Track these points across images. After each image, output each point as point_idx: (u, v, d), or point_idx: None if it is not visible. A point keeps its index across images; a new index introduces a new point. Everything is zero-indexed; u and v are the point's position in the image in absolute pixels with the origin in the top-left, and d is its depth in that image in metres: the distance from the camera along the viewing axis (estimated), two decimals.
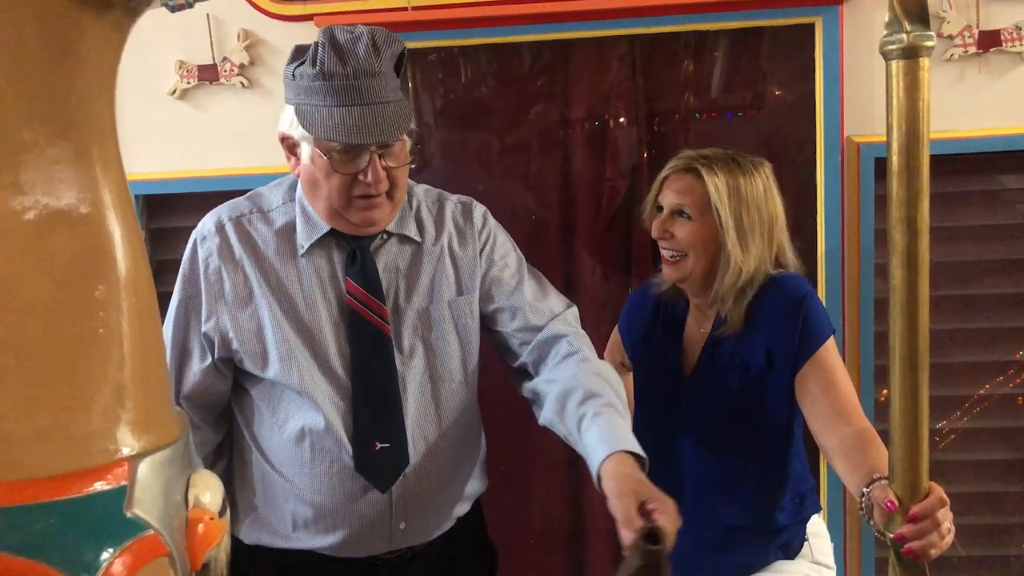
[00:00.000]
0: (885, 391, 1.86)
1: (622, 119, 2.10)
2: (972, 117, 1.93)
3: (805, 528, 1.61)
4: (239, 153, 2.04)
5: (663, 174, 1.62)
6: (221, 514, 0.80)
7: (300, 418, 1.40)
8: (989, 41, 1.91)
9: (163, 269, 1.88)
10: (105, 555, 0.66)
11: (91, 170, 0.70)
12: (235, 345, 1.39)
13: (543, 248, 2.14)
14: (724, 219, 1.52)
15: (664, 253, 1.61)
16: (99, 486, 0.67)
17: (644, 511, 1.17)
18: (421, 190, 1.55)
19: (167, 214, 2.14)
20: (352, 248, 1.42)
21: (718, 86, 2.09)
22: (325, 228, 1.41)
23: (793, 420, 1.56)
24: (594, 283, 2.16)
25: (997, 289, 2.06)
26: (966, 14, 1.91)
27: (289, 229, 1.43)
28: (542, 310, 1.51)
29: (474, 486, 1.56)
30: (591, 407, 1.33)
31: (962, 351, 2.08)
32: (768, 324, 1.53)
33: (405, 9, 1.92)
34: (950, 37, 1.92)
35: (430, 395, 1.45)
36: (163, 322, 1.42)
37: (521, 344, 1.50)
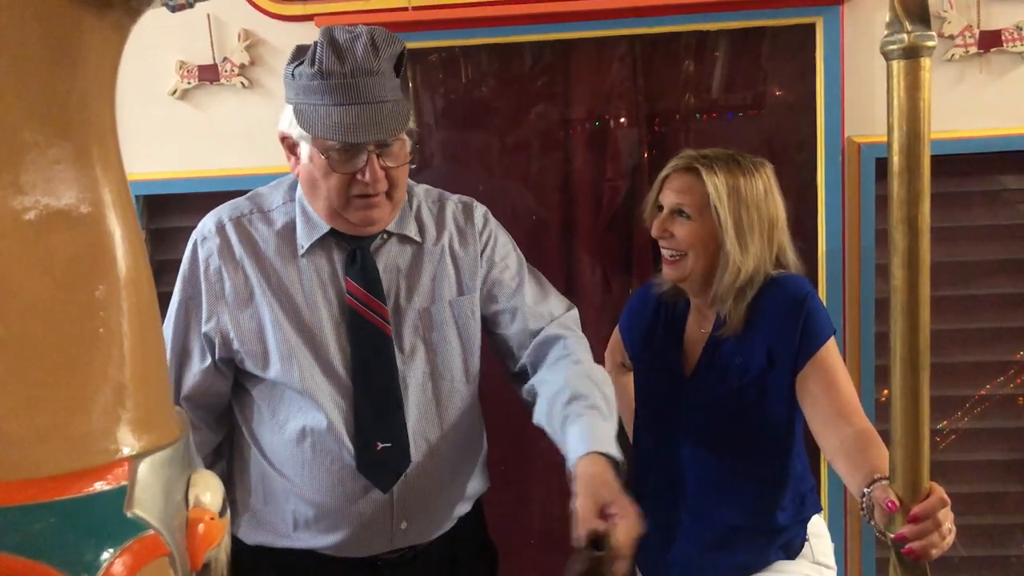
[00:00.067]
0: (886, 391, 1.86)
1: (623, 119, 2.10)
2: (973, 117, 1.94)
3: (806, 528, 1.61)
4: (239, 153, 2.04)
5: (664, 173, 1.62)
6: (221, 514, 0.80)
7: (301, 418, 1.40)
8: (990, 41, 1.91)
9: (163, 269, 1.88)
10: (105, 555, 0.66)
11: (91, 170, 0.70)
12: (236, 345, 1.39)
13: (544, 248, 2.14)
14: (723, 219, 1.52)
15: (664, 252, 1.61)
16: (99, 486, 0.67)
17: (605, 515, 1.17)
18: (421, 190, 1.55)
19: (167, 214, 2.14)
20: (352, 248, 1.42)
21: (719, 86, 2.09)
22: (325, 228, 1.41)
23: (794, 420, 1.56)
24: (594, 283, 2.16)
25: (998, 289, 2.06)
26: (967, 14, 1.91)
27: (289, 229, 1.43)
28: (541, 313, 1.52)
29: (475, 486, 1.56)
30: (575, 408, 1.35)
31: (963, 351, 2.08)
32: (769, 324, 1.53)
33: (406, 9, 1.92)
34: (951, 37, 1.92)
35: (431, 395, 1.45)
36: (163, 322, 1.42)
37: (520, 347, 1.51)
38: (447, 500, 1.50)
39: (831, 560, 1.63)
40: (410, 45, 1.41)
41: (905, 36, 1.00)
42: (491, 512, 1.68)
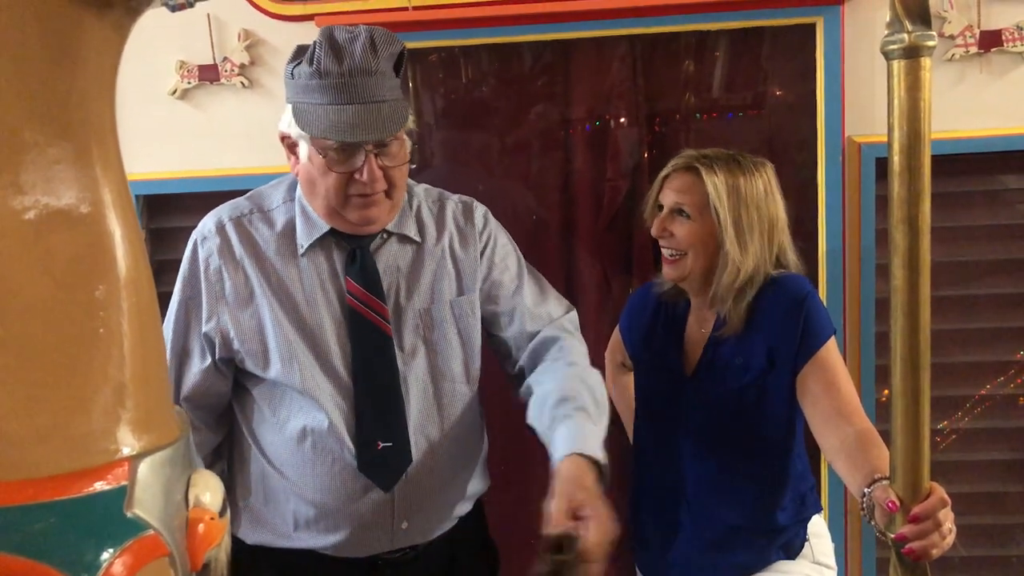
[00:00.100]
0: (886, 391, 1.86)
1: (623, 119, 2.10)
2: (973, 117, 1.94)
3: (806, 528, 1.61)
4: (239, 153, 2.04)
5: (664, 173, 1.62)
6: (221, 514, 0.80)
7: (302, 418, 1.40)
8: (990, 41, 1.91)
9: (163, 269, 1.88)
10: (105, 555, 0.66)
11: (91, 170, 0.70)
12: (236, 345, 1.39)
13: (544, 248, 2.13)
14: (723, 218, 1.52)
15: (664, 252, 1.61)
16: (99, 486, 0.67)
17: (577, 517, 1.17)
18: (421, 190, 1.55)
19: (167, 214, 2.14)
20: (352, 248, 1.42)
21: (719, 86, 2.09)
22: (325, 227, 1.41)
23: (794, 420, 1.56)
24: (595, 283, 2.16)
25: (998, 289, 2.06)
26: (967, 14, 1.91)
27: (289, 229, 1.43)
28: (540, 315, 1.52)
29: (476, 485, 1.56)
30: (563, 410, 1.35)
31: (963, 351, 2.08)
32: (769, 324, 1.53)
33: (406, 9, 1.92)
34: (951, 37, 1.92)
35: (432, 395, 1.45)
36: (163, 322, 1.42)
37: (517, 349, 1.52)
38: (448, 499, 1.50)
39: (831, 560, 1.63)
40: (410, 45, 1.41)
41: (905, 36, 1.00)
42: (491, 512, 1.67)
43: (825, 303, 1.81)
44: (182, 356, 1.43)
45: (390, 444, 1.40)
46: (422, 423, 1.44)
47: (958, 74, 1.94)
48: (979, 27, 1.91)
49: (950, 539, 1.15)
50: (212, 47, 2.02)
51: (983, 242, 2.06)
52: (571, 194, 2.14)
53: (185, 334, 1.42)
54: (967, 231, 2.05)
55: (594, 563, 1.16)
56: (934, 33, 1.01)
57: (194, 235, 1.45)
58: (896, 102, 1.03)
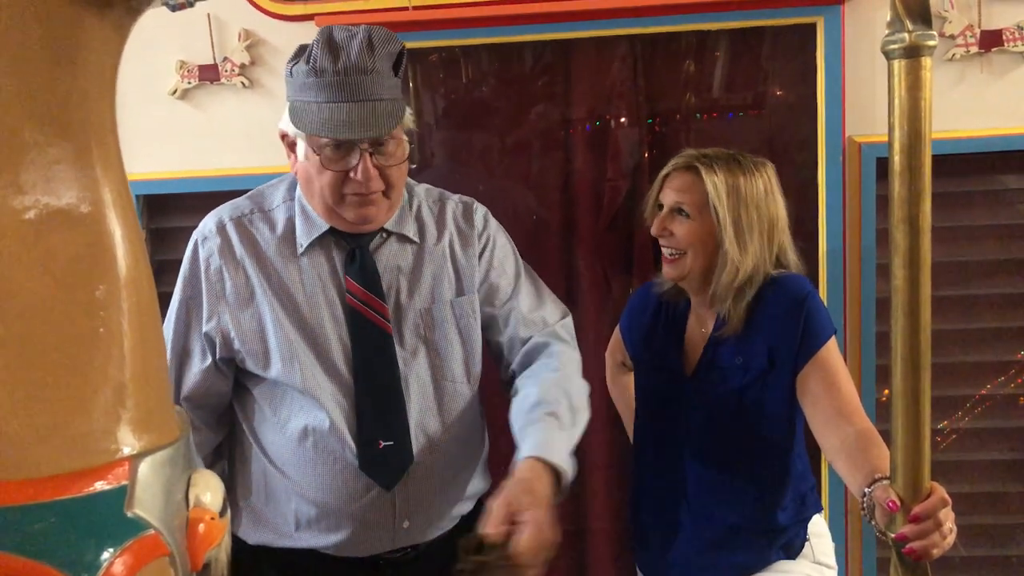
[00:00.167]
0: (887, 391, 1.86)
1: (623, 119, 2.10)
2: (974, 117, 1.93)
3: (806, 528, 1.61)
4: (239, 153, 2.04)
5: (664, 172, 1.62)
6: (222, 514, 0.80)
7: (303, 417, 1.40)
8: (991, 41, 1.91)
9: (163, 269, 1.88)
10: (106, 555, 0.66)
11: (92, 170, 0.70)
12: (237, 345, 1.39)
13: (544, 248, 2.13)
14: (722, 218, 1.52)
15: (663, 251, 1.61)
16: (100, 486, 0.67)
17: (515, 521, 1.17)
18: (422, 190, 1.55)
19: (167, 214, 2.14)
20: (351, 247, 1.42)
21: (719, 86, 2.09)
22: (324, 226, 1.41)
23: (794, 420, 1.56)
24: (595, 283, 2.16)
25: (998, 289, 2.06)
26: (968, 14, 1.91)
27: (290, 228, 1.43)
28: (534, 321, 1.52)
29: (477, 485, 1.56)
30: (535, 414, 1.36)
31: (963, 351, 2.08)
32: (769, 324, 1.52)
33: (406, 9, 1.92)
34: (952, 37, 1.92)
35: (433, 394, 1.45)
36: (163, 322, 1.42)
37: (510, 353, 1.52)
38: (449, 499, 1.50)
39: (832, 560, 1.63)
40: (410, 45, 1.41)
41: (906, 35, 1.00)
42: None
43: (826, 303, 1.81)
44: (183, 356, 1.43)
45: (391, 443, 1.40)
46: (423, 422, 1.44)
47: (959, 74, 1.94)
48: (980, 27, 1.91)
49: (951, 539, 1.15)
50: (212, 47, 2.02)
51: (983, 242, 2.05)
52: (571, 194, 2.14)
53: (186, 334, 1.42)
54: (967, 231, 2.05)
55: (526, 568, 1.14)
56: (935, 33, 1.01)
57: (195, 235, 1.45)
58: (897, 102, 1.03)
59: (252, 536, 1.46)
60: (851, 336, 2.02)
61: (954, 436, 2.11)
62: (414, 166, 2.02)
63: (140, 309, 0.72)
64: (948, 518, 1.14)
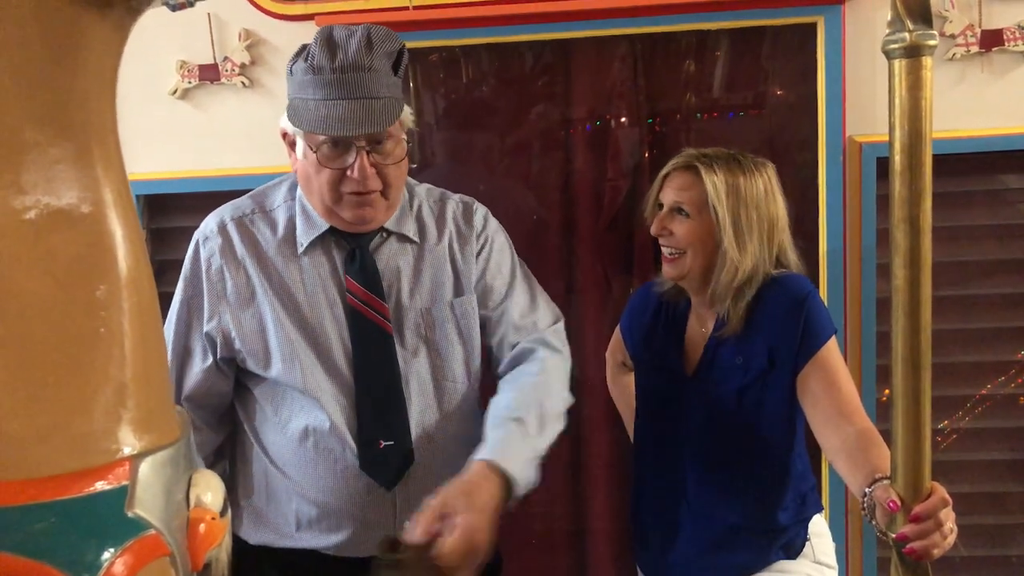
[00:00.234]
0: (887, 391, 1.86)
1: (623, 119, 2.10)
2: (974, 116, 1.93)
3: (807, 528, 1.61)
4: (240, 153, 2.04)
5: (664, 171, 1.62)
6: (222, 514, 0.80)
7: (304, 417, 1.40)
8: (991, 40, 1.91)
9: (164, 269, 1.88)
10: (106, 555, 0.66)
11: (92, 170, 0.70)
12: (237, 345, 1.39)
13: (544, 248, 2.14)
14: (721, 218, 1.52)
15: (663, 250, 1.61)
16: (100, 486, 0.67)
17: (445, 522, 1.17)
18: (423, 190, 1.54)
19: (168, 214, 2.14)
20: (352, 247, 1.42)
21: (719, 86, 2.09)
22: (324, 226, 1.41)
23: (794, 420, 1.56)
24: (595, 283, 2.16)
25: (999, 289, 2.06)
26: (968, 13, 1.91)
27: (291, 228, 1.43)
28: (524, 326, 1.51)
29: None
30: (500, 418, 1.35)
31: (964, 351, 2.08)
32: (769, 324, 1.52)
33: (406, 9, 1.92)
34: (952, 36, 1.92)
35: (433, 394, 1.45)
36: (164, 322, 1.42)
37: (499, 356, 1.52)
38: None
39: (832, 560, 1.63)
40: (410, 45, 1.41)
41: (907, 35, 1.00)
42: None
43: (826, 303, 1.81)
44: (184, 356, 1.43)
45: (392, 443, 1.39)
46: (424, 422, 1.44)
47: (959, 73, 1.94)
48: (980, 26, 1.91)
49: (951, 539, 1.15)
50: (213, 47, 2.02)
51: (983, 242, 2.05)
52: (572, 194, 2.14)
53: (187, 334, 1.42)
54: (967, 231, 2.05)
55: (451, 572, 1.13)
56: (935, 32, 1.01)
57: (196, 235, 1.45)
58: (897, 101, 1.02)
59: (253, 536, 1.46)
60: (851, 336, 2.02)
61: (954, 436, 2.11)
62: (414, 166, 2.02)
63: (141, 309, 0.73)
64: (949, 518, 1.14)
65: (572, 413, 2.20)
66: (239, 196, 1.50)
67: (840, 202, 1.97)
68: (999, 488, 2.14)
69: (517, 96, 2.13)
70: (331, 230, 1.41)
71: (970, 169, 1.99)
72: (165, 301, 1.32)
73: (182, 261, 1.45)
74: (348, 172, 1.32)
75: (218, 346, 1.40)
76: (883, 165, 1.90)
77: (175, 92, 2.05)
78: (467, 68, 2.12)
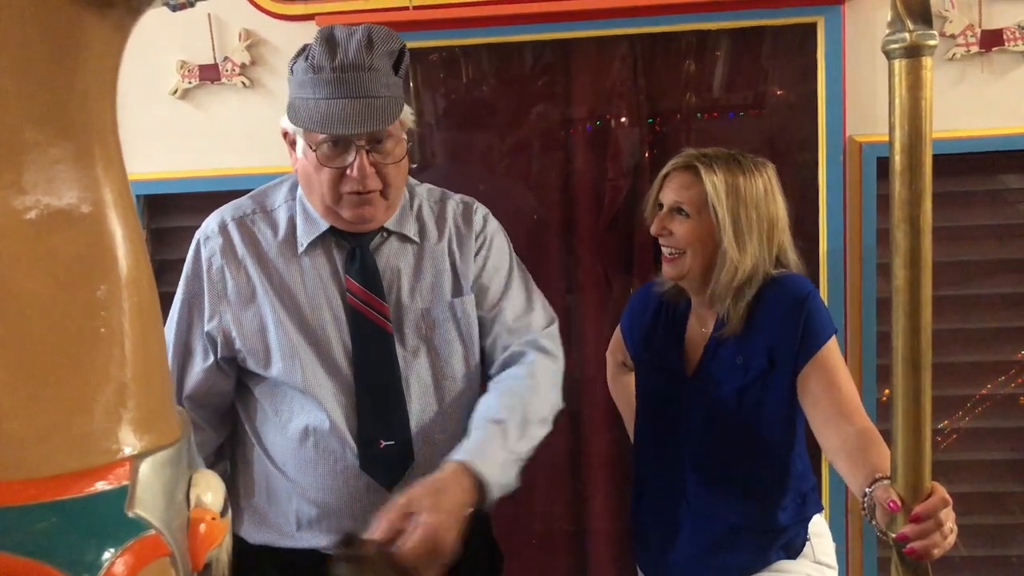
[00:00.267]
0: (887, 391, 1.86)
1: (623, 119, 2.10)
2: (974, 116, 1.94)
3: (807, 528, 1.61)
4: (240, 153, 2.04)
5: (664, 171, 1.62)
6: (223, 514, 0.80)
7: (304, 417, 1.40)
8: (991, 40, 1.91)
9: (164, 269, 1.88)
10: (107, 555, 0.66)
11: (93, 170, 0.70)
12: (238, 344, 1.40)
13: (544, 248, 2.14)
14: (721, 217, 1.52)
15: (663, 250, 1.61)
16: (101, 486, 0.67)
17: (409, 520, 1.17)
18: (424, 190, 1.55)
19: (168, 214, 2.14)
20: (352, 246, 1.42)
21: (720, 86, 2.09)
22: (324, 226, 1.41)
23: (795, 420, 1.56)
24: (596, 283, 2.16)
25: (999, 289, 2.06)
26: (968, 13, 1.91)
27: (291, 228, 1.43)
28: (517, 328, 1.50)
29: None
30: (482, 420, 1.35)
31: (964, 351, 2.08)
32: (770, 324, 1.52)
33: (406, 8, 1.92)
34: (952, 36, 1.92)
35: (433, 394, 1.45)
36: (165, 322, 1.42)
37: (491, 357, 1.51)
38: None
39: (832, 560, 1.63)
40: (410, 45, 1.41)
41: (907, 35, 1.00)
42: (494, 512, 1.67)
43: (826, 303, 1.81)
44: (185, 355, 1.43)
45: (392, 443, 1.40)
46: (424, 422, 1.44)
47: (959, 73, 1.94)
48: (980, 26, 1.91)
49: (951, 539, 1.15)
50: (213, 47, 2.02)
51: (983, 242, 2.05)
52: (572, 194, 2.14)
53: (188, 333, 1.43)
54: (967, 231, 2.05)
55: (412, 572, 1.12)
56: (935, 32, 1.01)
57: (197, 235, 1.45)
58: (897, 101, 1.02)
59: (254, 536, 1.46)
60: (851, 336, 2.02)
61: (954, 436, 2.11)
62: (414, 166, 2.02)
63: (141, 309, 0.72)
64: (949, 518, 1.14)
65: (572, 413, 2.21)
66: (239, 196, 1.50)
67: (840, 202, 1.97)
68: (999, 488, 2.14)
69: (517, 96, 2.13)
70: (331, 230, 1.41)
71: (970, 169, 1.99)
72: (165, 301, 1.32)
73: (182, 261, 1.45)
74: (348, 171, 1.32)
75: (219, 345, 1.40)
76: (883, 165, 1.90)
77: (175, 92, 2.05)
78: (467, 68, 2.13)
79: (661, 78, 2.08)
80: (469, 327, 1.48)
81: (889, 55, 1.02)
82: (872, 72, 1.93)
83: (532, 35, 2.01)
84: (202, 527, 0.76)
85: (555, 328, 1.55)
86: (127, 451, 0.70)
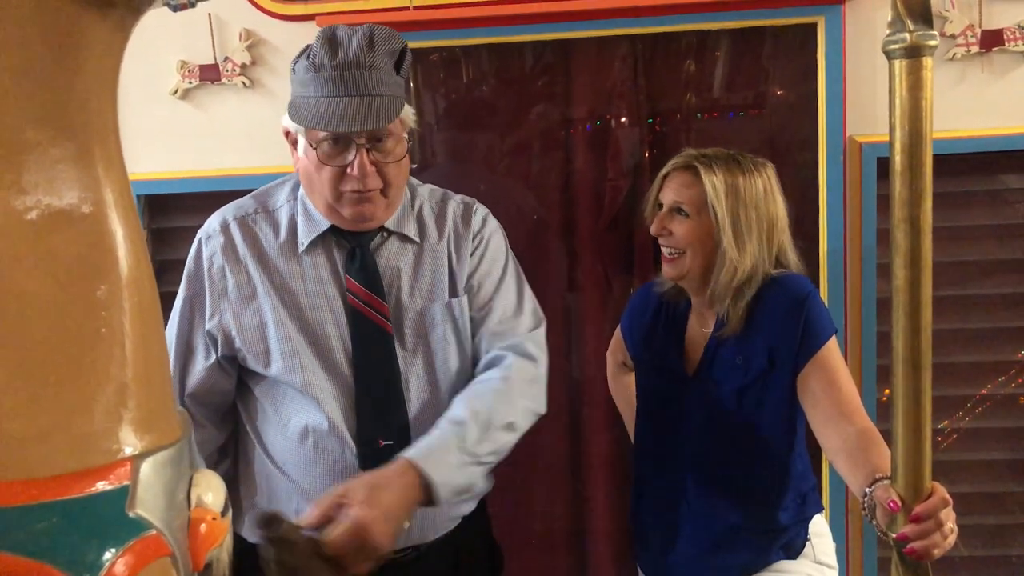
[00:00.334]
0: (887, 391, 1.86)
1: (624, 119, 2.10)
2: (974, 117, 1.94)
3: (807, 528, 1.61)
4: (241, 153, 2.04)
5: (664, 171, 1.62)
6: (223, 514, 0.80)
7: (303, 416, 1.40)
8: (992, 40, 1.91)
9: (165, 269, 1.88)
10: (107, 555, 0.66)
11: (93, 170, 0.70)
12: (238, 343, 1.40)
13: (545, 248, 2.14)
14: (720, 217, 1.52)
15: (663, 250, 1.61)
16: (101, 486, 0.67)
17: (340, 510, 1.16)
18: (425, 190, 1.55)
19: (169, 214, 2.14)
20: (352, 246, 1.43)
21: (720, 86, 2.09)
22: (325, 225, 1.41)
23: (795, 420, 1.56)
24: (596, 283, 2.16)
25: (999, 289, 2.06)
26: (969, 13, 1.91)
27: (292, 227, 1.44)
28: (503, 331, 1.48)
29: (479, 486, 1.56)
30: (445, 418, 1.34)
31: (964, 351, 2.08)
32: (770, 324, 1.53)
33: (407, 9, 1.92)
34: (953, 36, 1.92)
35: (433, 393, 1.45)
36: (167, 321, 1.42)
37: (475, 356, 1.50)
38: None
39: (833, 560, 1.63)
40: (411, 45, 1.41)
41: (907, 35, 1.00)
42: (494, 512, 1.67)
43: (826, 303, 1.81)
44: (186, 353, 1.43)
45: (391, 443, 1.39)
46: (423, 422, 1.43)
47: (959, 73, 1.94)
48: (980, 26, 1.91)
49: (952, 539, 1.15)
50: (213, 47, 2.03)
51: (983, 242, 2.06)
52: (572, 194, 2.14)
53: (189, 331, 1.43)
54: (968, 231, 2.05)
55: (339, 563, 1.11)
56: (935, 32, 1.01)
57: (199, 234, 1.46)
58: (897, 101, 1.02)
59: (254, 535, 1.46)
60: (852, 336, 2.02)
61: (954, 436, 2.11)
62: (415, 166, 2.02)
63: (142, 309, 0.72)
64: (949, 518, 1.14)
65: (572, 413, 2.21)
66: (240, 196, 1.50)
67: (840, 202, 1.97)
68: (999, 488, 2.14)
69: (517, 96, 2.13)
70: (332, 229, 1.42)
71: (970, 169, 1.99)
72: (166, 301, 1.33)
73: (183, 261, 1.46)
74: (348, 170, 1.32)
75: (219, 344, 1.41)
76: (883, 165, 1.90)
77: (176, 92, 2.05)
78: (467, 68, 2.13)
79: (661, 78, 2.08)
80: (467, 327, 1.48)
81: (889, 55, 1.02)
82: (872, 72, 1.93)
83: (532, 35, 2.01)
84: (203, 527, 0.76)
85: (541, 331, 1.53)
86: (128, 451, 0.70)
